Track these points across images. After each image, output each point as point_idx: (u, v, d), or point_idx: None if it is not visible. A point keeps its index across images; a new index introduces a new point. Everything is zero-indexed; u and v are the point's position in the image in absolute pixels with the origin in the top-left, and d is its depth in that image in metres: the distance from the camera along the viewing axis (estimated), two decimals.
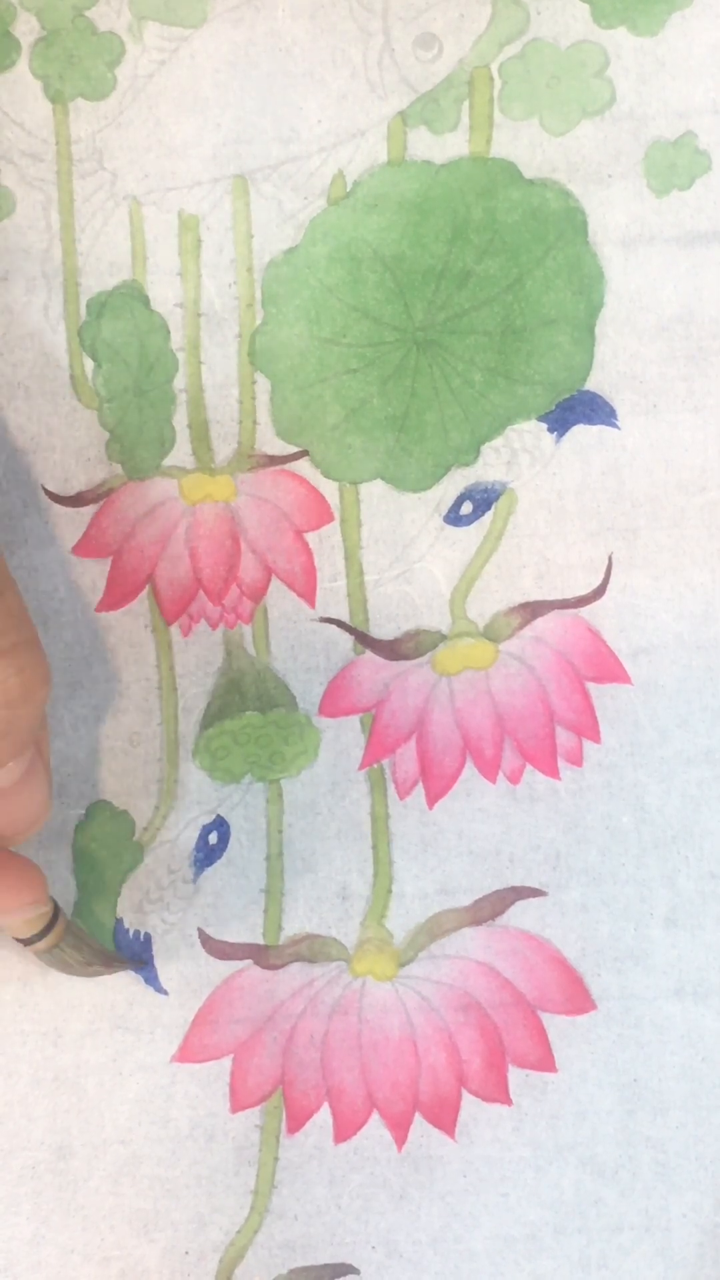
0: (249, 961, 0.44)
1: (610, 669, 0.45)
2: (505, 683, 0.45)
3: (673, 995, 0.44)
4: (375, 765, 0.45)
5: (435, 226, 0.44)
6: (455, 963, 0.44)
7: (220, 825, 0.45)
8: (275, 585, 0.45)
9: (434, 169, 0.44)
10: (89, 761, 0.45)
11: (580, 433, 0.44)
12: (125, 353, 0.44)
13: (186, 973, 0.44)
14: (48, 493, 0.44)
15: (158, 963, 0.44)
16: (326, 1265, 0.44)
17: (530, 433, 0.44)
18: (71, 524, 0.44)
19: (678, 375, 0.44)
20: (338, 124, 0.44)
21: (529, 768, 0.44)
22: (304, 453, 0.44)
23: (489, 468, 0.44)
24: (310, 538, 0.45)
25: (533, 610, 0.45)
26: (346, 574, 0.45)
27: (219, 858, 0.45)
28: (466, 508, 0.44)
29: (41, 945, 0.41)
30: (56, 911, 0.41)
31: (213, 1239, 0.44)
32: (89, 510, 0.44)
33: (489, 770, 0.44)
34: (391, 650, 0.45)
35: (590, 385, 0.44)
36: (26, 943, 0.41)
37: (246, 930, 0.45)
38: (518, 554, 0.45)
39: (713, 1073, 0.44)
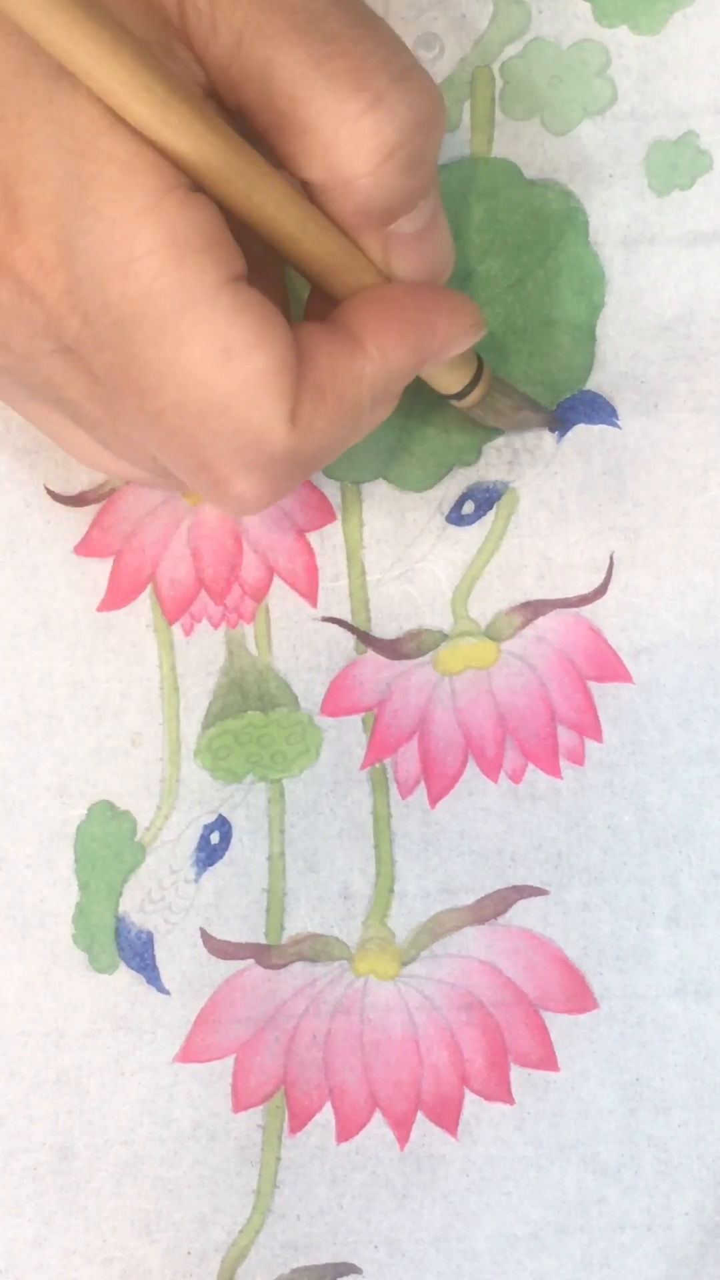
0: (251, 961, 0.44)
1: (612, 668, 0.45)
2: (507, 682, 0.45)
3: (675, 994, 0.44)
4: (377, 765, 0.45)
5: None
6: (457, 962, 0.44)
7: (222, 825, 0.45)
8: (277, 585, 0.45)
9: None
10: (90, 761, 0.45)
11: (581, 432, 0.45)
12: None
13: (188, 972, 0.44)
14: (50, 492, 0.44)
15: (160, 963, 0.44)
16: (329, 1265, 0.44)
17: (532, 432, 0.44)
18: (73, 524, 0.44)
19: (679, 375, 0.44)
20: None
21: (531, 767, 0.45)
22: None
23: (490, 467, 0.45)
24: (312, 537, 0.45)
25: (534, 609, 0.45)
26: (348, 573, 0.45)
27: (221, 857, 0.45)
28: (468, 507, 0.45)
29: (474, 396, 0.41)
30: (480, 360, 0.41)
31: (215, 1239, 0.44)
32: (91, 510, 0.44)
33: (491, 769, 0.45)
34: (393, 650, 0.45)
35: (591, 385, 0.44)
36: (458, 397, 0.41)
37: (248, 930, 0.45)
38: (519, 553, 0.45)
39: (715, 1071, 0.44)
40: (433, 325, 0.37)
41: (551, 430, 0.44)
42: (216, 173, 0.34)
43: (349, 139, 0.34)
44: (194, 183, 0.34)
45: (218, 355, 0.34)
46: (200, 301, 0.33)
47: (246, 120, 0.35)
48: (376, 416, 0.38)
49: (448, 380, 0.41)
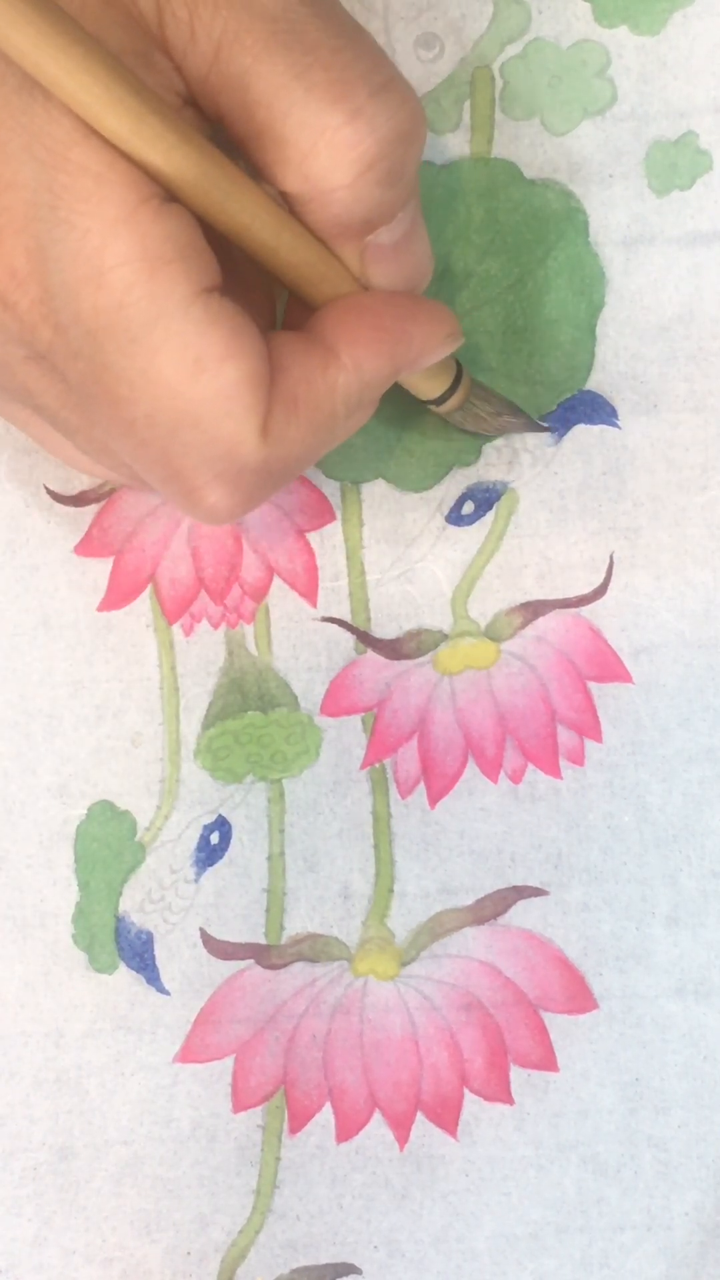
0: (251, 961, 0.44)
1: (612, 668, 0.45)
2: (507, 682, 0.45)
3: (674, 994, 0.44)
4: (377, 765, 0.45)
5: (436, 227, 0.44)
6: (457, 962, 0.44)
7: (222, 825, 0.45)
8: (277, 585, 0.45)
9: (435, 169, 0.44)
10: (91, 761, 0.45)
11: (581, 432, 0.45)
12: None
13: (188, 973, 0.44)
14: (50, 492, 0.44)
15: (159, 963, 0.44)
16: (329, 1265, 0.44)
17: (531, 433, 0.44)
18: (73, 524, 0.44)
19: (678, 375, 0.44)
20: None
21: (531, 767, 0.45)
22: None
23: (490, 467, 0.45)
24: (312, 537, 0.45)
25: (534, 609, 0.45)
26: (348, 573, 0.45)
27: (221, 857, 0.45)
28: (468, 507, 0.45)
29: (453, 402, 0.41)
30: (459, 367, 0.41)
31: (215, 1239, 0.44)
32: (91, 510, 0.44)
33: (491, 769, 0.45)
34: (393, 650, 0.45)
35: (591, 385, 0.44)
36: (436, 403, 0.41)
37: (248, 930, 0.45)
38: (519, 553, 0.45)
39: (714, 1071, 0.44)
40: (408, 334, 0.37)
41: (552, 434, 0.44)
42: (190, 184, 0.33)
43: (327, 151, 0.34)
44: (168, 194, 0.34)
45: (189, 367, 0.34)
46: (171, 313, 0.33)
47: (225, 129, 0.35)
48: (352, 425, 0.38)
49: (425, 387, 0.41)
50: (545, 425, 0.44)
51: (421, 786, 0.45)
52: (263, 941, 0.44)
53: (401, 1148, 0.44)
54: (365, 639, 0.45)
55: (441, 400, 0.41)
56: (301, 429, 0.36)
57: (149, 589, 0.44)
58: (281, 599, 0.45)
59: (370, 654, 0.45)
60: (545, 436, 0.44)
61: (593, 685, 0.45)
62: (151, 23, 0.34)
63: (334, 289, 0.37)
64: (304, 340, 0.36)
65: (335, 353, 0.36)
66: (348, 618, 0.45)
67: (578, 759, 0.45)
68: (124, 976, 0.44)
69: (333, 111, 0.34)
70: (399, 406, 0.44)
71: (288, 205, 0.36)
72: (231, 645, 0.45)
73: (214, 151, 0.34)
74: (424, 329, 0.38)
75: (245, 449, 0.35)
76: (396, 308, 0.37)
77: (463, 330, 0.40)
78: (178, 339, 0.33)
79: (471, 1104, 0.44)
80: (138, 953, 0.44)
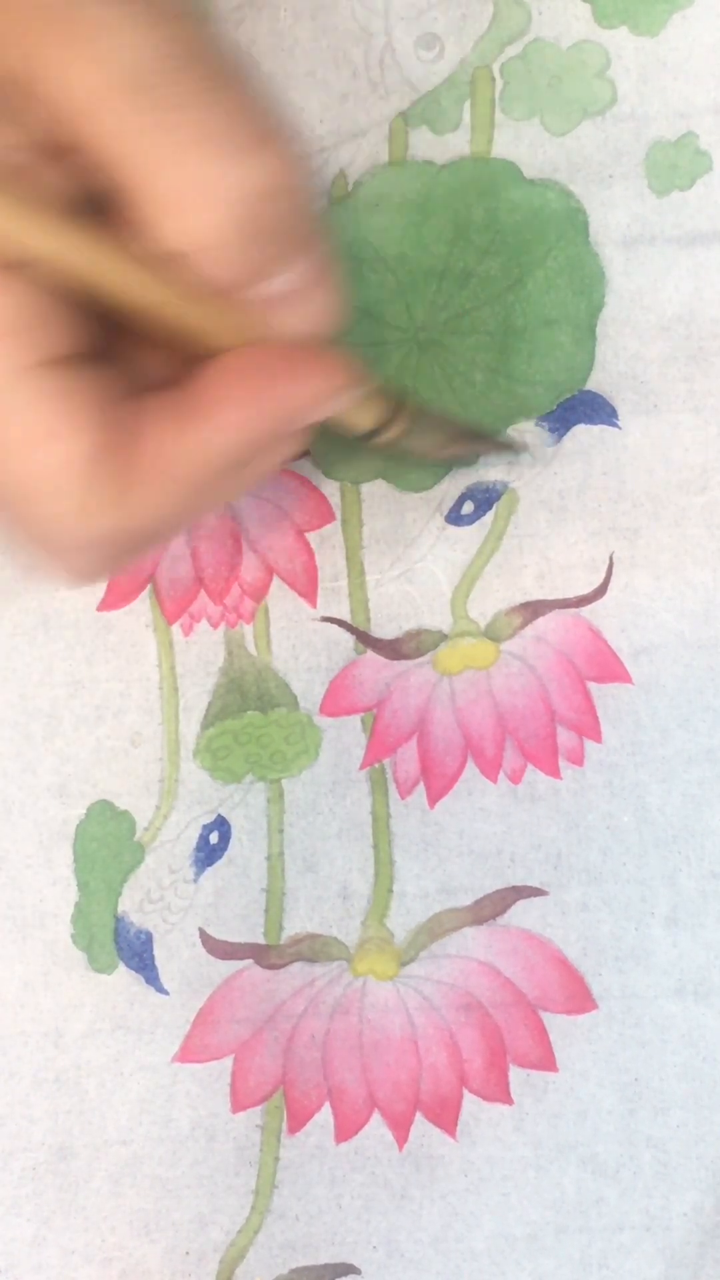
0: (250, 961, 0.44)
1: (611, 668, 0.45)
2: (506, 682, 0.45)
3: (674, 994, 0.44)
4: (376, 765, 0.45)
5: (437, 226, 0.44)
6: (456, 962, 0.44)
7: (221, 825, 0.45)
8: (276, 585, 0.45)
9: (435, 169, 0.44)
10: (90, 761, 0.45)
11: (581, 432, 0.45)
12: None
13: (187, 973, 0.44)
14: None
15: (159, 963, 0.44)
16: (328, 1265, 0.44)
17: (531, 432, 0.44)
18: None
19: (678, 375, 0.44)
20: (339, 124, 0.44)
21: (530, 767, 0.45)
22: (305, 452, 0.44)
23: (490, 467, 0.45)
24: (311, 537, 0.45)
25: (534, 610, 0.45)
26: (348, 573, 0.45)
27: (220, 857, 0.45)
28: (468, 507, 0.45)
29: (392, 433, 0.39)
30: (398, 398, 0.39)
31: (214, 1239, 0.44)
32: None
33: (490, 770, 0.45)
34: (393, 650, 0.45)
35: (591, 385, 0.44)
36: (370, 436, 0.39)
37: (247, 930, 0.45)
38: (519, 554, 0.45)
39: (714, 1072, 0.44)
40: (289, 391, 0.36)
41: (551, 435, 0.44)
42: (42, 251, 0.33)
43: (197, 209, 0.33)
44: (11, 262, 0.33)
45: (16, 445, 0.33)
46: (1, 389, 0.33)
47: (96, 188, 0.34)
48: (242, 480, 0.37)
49: (352, 423, 0.39)
50: (512, 445, 0.43)
51: (421, 787, 0.45)
52: (262, 941, 0.44)
53: (400, 1148, 0.44)
54: (365, 639, 0.45)
55: (372, 436, 0.40)
56: (157, 495, 0.34)
57: (148, 589, 0.44)
58: (281, 599, 0.45)
59: (370, 654, 0.45)
60: (545, 436, 0.44)
61: (592, 685, 0.45)
62: (12, 83, 0.33)
63: (223, 342, 0.35)
64: (172, 401, 0.35)
65: (205, 411, 0.35)
66: (347, 618, 0.45)
67: (577, 759, 0.45)
68: (123, 976, 0.44)
69: (203, 168, 0.32)
70: None
71: (170, 263, 0.34)
72: (231, 645, 0.45)
73: (67, 218, 0.33)
74: (308, 385, 0.36)
75: (81, 524, 0.34)
76: (280, 363, 0.36)
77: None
78: (6, 415, 0.33)
79: (470, 1104, 0.44)
80: (137, 952, 0.44)
